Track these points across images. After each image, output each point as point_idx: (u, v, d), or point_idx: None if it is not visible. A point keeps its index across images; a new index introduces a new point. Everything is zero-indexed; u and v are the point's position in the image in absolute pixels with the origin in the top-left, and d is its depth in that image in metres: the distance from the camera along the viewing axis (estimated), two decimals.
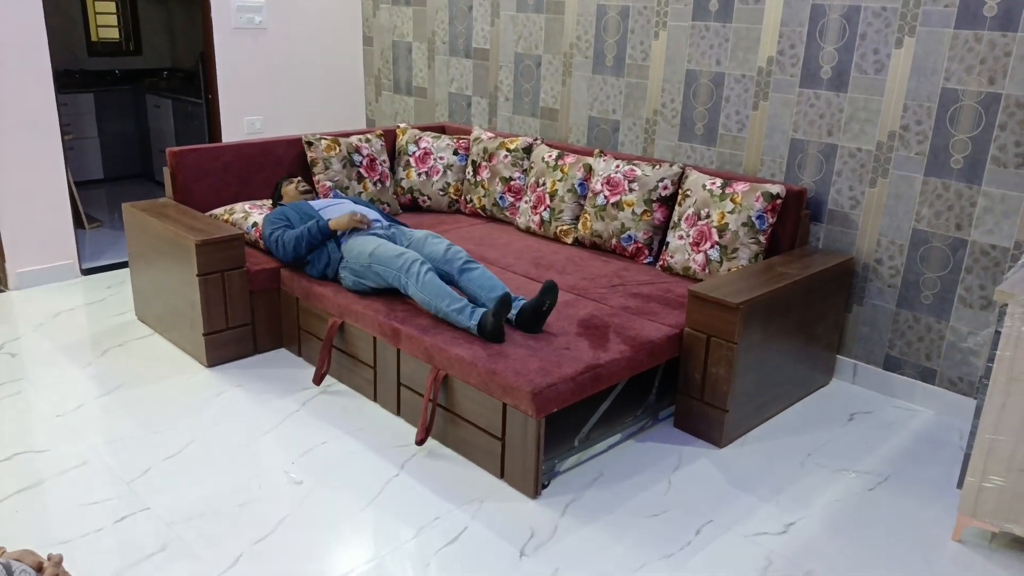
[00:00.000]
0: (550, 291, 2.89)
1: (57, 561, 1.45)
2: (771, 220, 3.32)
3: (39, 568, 1.43)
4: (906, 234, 3.30)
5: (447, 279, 3.18)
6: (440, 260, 3.21)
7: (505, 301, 2.83)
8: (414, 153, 4.51)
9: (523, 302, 2.99)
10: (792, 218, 3.42)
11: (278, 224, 3.52)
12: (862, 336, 3.51)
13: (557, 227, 3.96)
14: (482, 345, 2.79)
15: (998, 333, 2.32)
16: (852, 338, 3.54)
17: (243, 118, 5.09)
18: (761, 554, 2.45)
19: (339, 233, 3.44)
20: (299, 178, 3.88)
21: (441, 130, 4.89)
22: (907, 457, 3.01)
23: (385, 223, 3.56)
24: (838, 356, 3.58)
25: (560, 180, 3.96)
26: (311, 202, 3.69)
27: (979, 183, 3.07)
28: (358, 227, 3.40)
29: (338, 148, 4.21)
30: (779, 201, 3.32)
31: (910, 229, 3.28)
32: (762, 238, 3.32)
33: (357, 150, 4.29)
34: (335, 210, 3.60)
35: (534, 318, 2.91)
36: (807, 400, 3.42)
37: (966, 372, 3.24)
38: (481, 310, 2.91)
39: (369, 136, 4.40)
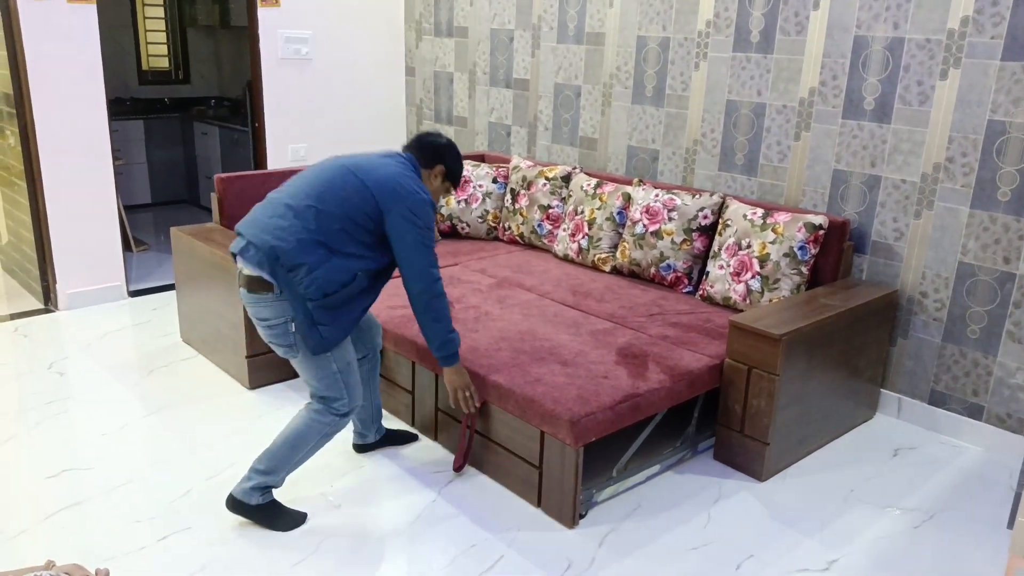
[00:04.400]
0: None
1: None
2: (813, 251, 3.30)
3: None
4: (952, 267, 3.24)
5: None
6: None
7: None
8: None
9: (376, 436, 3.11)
10: (835, 249, 3.39)
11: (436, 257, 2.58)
12: (907, 370, 3.44)
13: (595, 255, 3.97)
14: (520, 372, 2.79)
15: None
16: (896, 372, 3.48)
17: (288, 146, 5.20)
18: None
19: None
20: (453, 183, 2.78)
21: (481, 159, 4.94)
22: (954, 495, 2.93)
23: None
24: (882, 390, 3.52)
25: (599, 208, 3.98)
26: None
27: None
28: None
29: None
30: (821, 232, 3.29)
31: (956, 262, 3.23)
32: (804, 269, 3.29)
33: None
34: None
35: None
36: (850, 434, 3.35)
37: (1015, 408, 3.16)
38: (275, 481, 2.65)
39: None
